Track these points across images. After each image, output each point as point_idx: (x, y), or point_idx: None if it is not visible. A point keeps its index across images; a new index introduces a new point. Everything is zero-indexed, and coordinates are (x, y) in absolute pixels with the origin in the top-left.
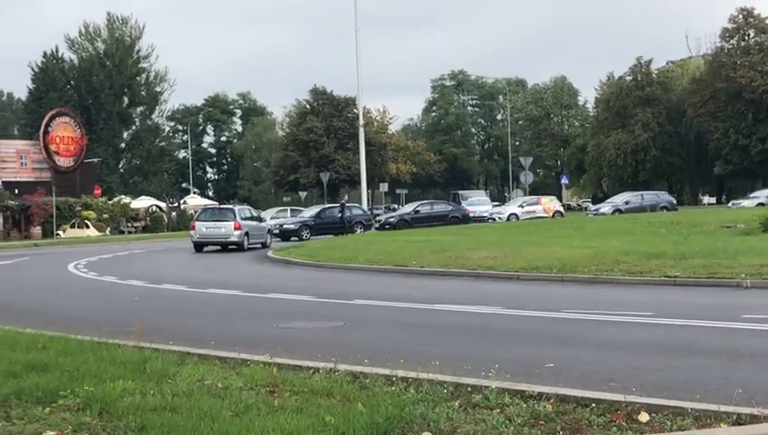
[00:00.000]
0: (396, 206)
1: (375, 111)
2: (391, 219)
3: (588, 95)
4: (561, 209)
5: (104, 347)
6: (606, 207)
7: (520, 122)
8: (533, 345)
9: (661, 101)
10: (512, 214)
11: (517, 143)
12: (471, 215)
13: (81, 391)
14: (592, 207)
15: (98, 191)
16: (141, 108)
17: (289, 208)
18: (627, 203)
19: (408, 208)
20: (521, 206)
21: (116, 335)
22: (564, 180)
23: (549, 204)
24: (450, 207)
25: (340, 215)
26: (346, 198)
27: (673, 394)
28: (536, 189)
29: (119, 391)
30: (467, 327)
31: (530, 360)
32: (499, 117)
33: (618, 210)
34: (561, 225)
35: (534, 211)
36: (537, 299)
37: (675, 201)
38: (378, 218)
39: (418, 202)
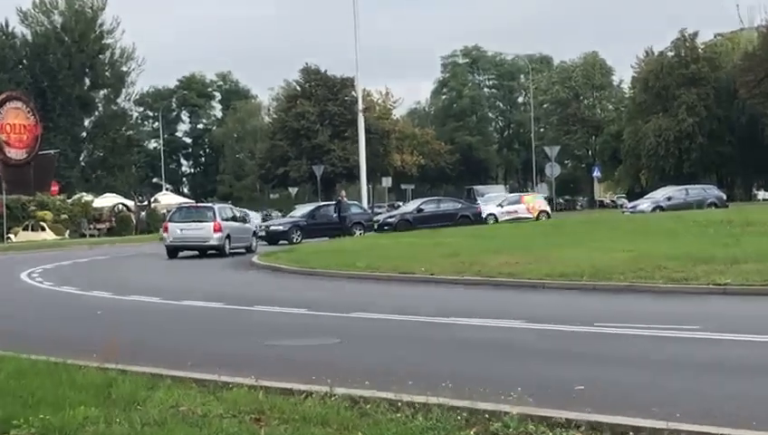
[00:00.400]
0: (400, 203)
1: (376, 94)
2: (390, 219)
3: (623, 74)
4: (548, 209)
5: (63, 369)
6: (645, 204)
7: (545, 106)
8: (561, 365)
9: (708, 81)
10: (490, 214)
11: (542, 130)
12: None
13: (36, 419)
14: (629, 204)
15: (55, 188)
16: (105, 91)
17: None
18: (669, 199)
19: (410, 207)
20: (500, 205)
21: (76, 355)
22: (596, 173)
23: (533, 203)
24: (459, 205)
25: (336, 214)
26: (343, 194)
27: (722, 421)
28: (564, 183)
29: (80, 419)
30: (484, 344)
31: (557, 381)
32: (520, 100)
33: (659, 207)
34: (594, 225)
35: (516, 211)
36: (565, 311)
37: (725, 196)
38: (376, 218)
39: (422, 199)
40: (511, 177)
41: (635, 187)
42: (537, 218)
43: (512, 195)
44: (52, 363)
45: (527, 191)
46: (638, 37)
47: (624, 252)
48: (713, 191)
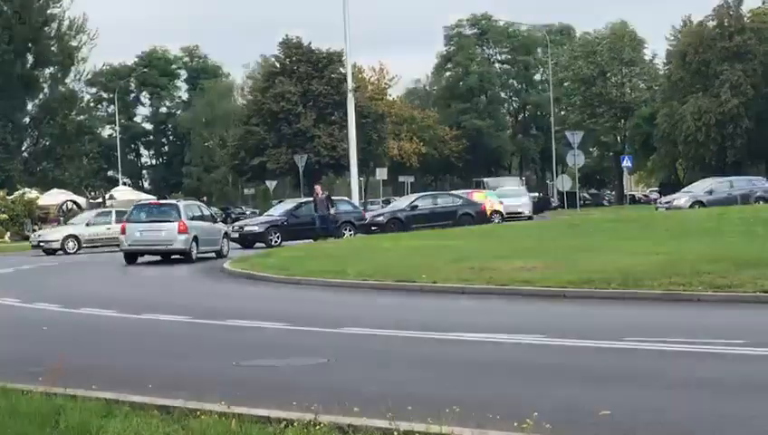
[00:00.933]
0: (396, 198)
1: (369, 71)
2: (379, 218)
3: (657, 47)
4: (500, 208)
5: (2, 394)
6: (682, 199)
7: (566, 84)
8: (584, 386)
9: (756, 55)
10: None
11: (562, 113)
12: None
13: None
14: (664, 199)
15: None
16: (51, 69)
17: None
18: (710, 193)
19: (402, 203)
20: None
21: (18, 378)
22: (626, 163)
23: (483, 201)
24: (460, 202)
25: (320, 213)
26: (318, 189)
27: None
28: (589, 175)
29: None
30: (496, 363)
31: (579, 405)
32: (538, 77)
33: (698, 202)
34: (623, 223)
35: None
36: (590, 324)
37: None
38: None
39: (417, 194)
40: (527, 167)
41: (671, 178)
42: (489, 218)
43: (459, 193)
44: None
45: (548, 185)
46: (674, 4)
47: (659, 255)
48: (761, 183)
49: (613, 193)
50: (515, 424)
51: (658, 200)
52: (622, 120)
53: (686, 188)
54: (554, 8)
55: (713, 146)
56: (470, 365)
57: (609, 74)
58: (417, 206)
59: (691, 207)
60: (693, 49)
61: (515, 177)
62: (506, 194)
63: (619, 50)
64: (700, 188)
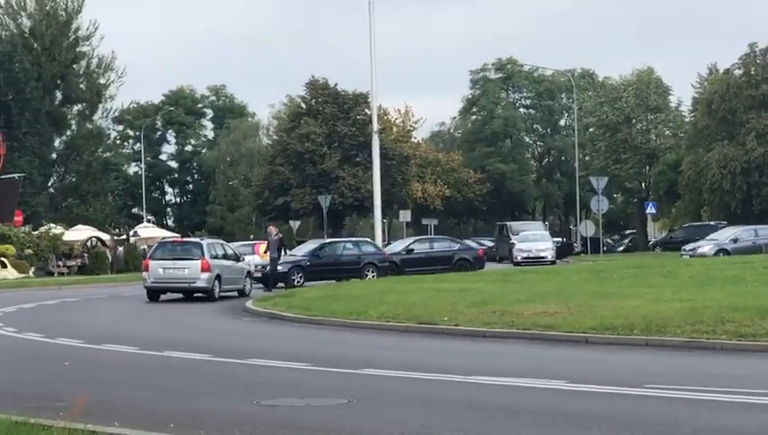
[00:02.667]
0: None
1: (394, 113)
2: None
3: (683, 95)
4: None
5: (23, 429)
6: (707, 247)
7: (590, 130)
8: (604, 433)
9: None
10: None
11: (587, 158)
12: (525, 256)
13: None
14: (688, 247)
15: (19, 218)
16: (79, 106)
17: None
18: (735, 241)
19: (398, 246)
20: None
21: (40, 413)
22: (650, 209)
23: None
24: (458, 246)
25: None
26: (272, 230)
27: None
28: (613, 221)
29: None
30: (516, 408)
31: None
32: (562, 123)
33: (723, 250)
34: (647, 270)
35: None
36: (612, 370)
37: None
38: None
39: (412, 238)
40: (551, 212)
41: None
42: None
43: (244, 243)
44: (11, 423)
45: (571, 230)
46: (700, 52)
47: (682, 302)
48: None
49: (629, 241)
50: None
51: (683, 248)
52: (647, 167)
53: (711, 236)
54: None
55: (738, 194)
56: (491, 409)
57: (634, 120)
58: (413, 249)
59: (715, 254)
60: (719, 97)
61: (538, 221)
62: (528, 239)
63: (645, 96)
64: (725, 235)
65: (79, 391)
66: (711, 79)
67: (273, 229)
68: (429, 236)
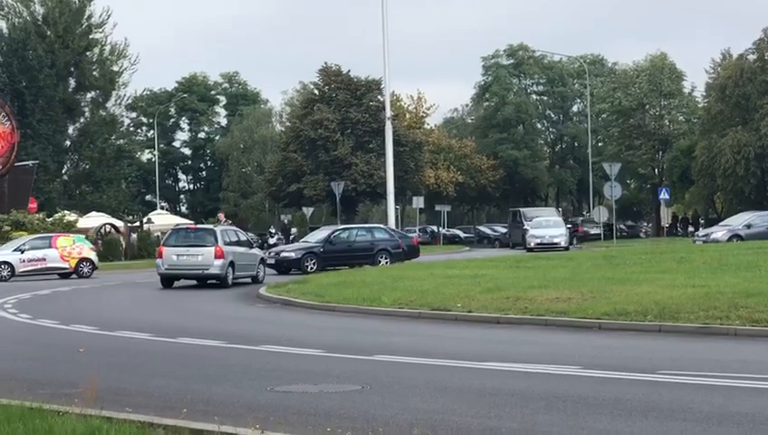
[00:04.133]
0: (434, 228)
1: (407, 99)
2: (289, 254)
3: (696, 80)
4: (94, 257)
5: (38, 415)
6: (720, 232)
7: (603, 116)
8: (619, 419)
9: None
10: (4, 262)
11: (600, 144)
12: (538, 242)
13: None
14: (701, 232)
15: (33, 205)
16: (93, 93)
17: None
18: (749, 226)
19: (317, 236)
20: (19, 250)
21: (54, 399)
22: (664, 195)
23: (70, 247)
24: (387, 236)
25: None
26: (221, 216)
27: None
28: (626, 206)
29: None
30: (530, 393)
31: None
32: (575, 108)
33: (736, 236)
34: (660, 256)
35: (44, 260)
36: (625, 356)
37: None
38: (270, 252)
39: (332, 227)
40: (564, 198)
41: (709, 211)
42: (75, 270)
43: (40, 236)
44: (26, 409)
45: (583, 215)
46: (714, 37)
47: (695, 288)
48: None
49: (650, 225)
50: None
51: (696, 234)
52: (660, 153)
53: (724, 222)
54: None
55: (752, 179)
56: (504, 395)
57: (647, 106)
58: (333, 241)
59: (729, 240)
60: (732, 82)
61: (552, 207)
62: (541, 225)
63: (658, 82)
64: (739, 221)
65: (92, 378)
66: (724, 64)
67: (221, 216)
68: (355, 226)
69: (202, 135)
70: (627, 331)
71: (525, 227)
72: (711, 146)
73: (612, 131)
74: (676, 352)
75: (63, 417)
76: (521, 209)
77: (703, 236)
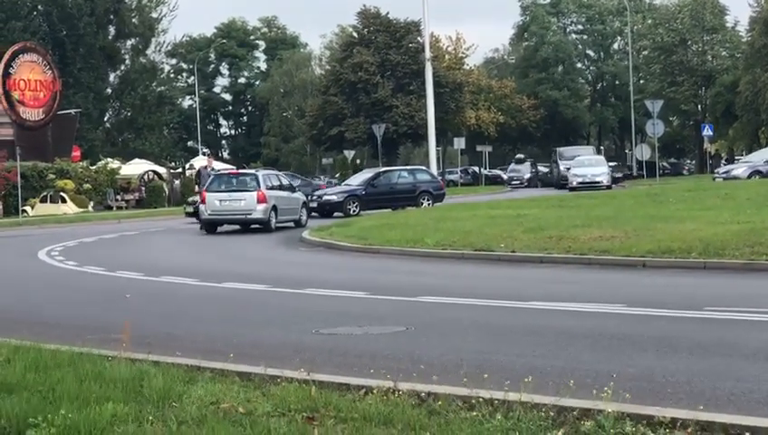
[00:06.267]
0: (475, 169)
1: (445, 40)
2: (331, 197)
3: (739, 14)
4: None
5: (87, 360)
6: (740, 169)
7: (644, 53)
8: (665, 356)
9: None
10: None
11: (641, 82)
12: (581, 181)
13: (57, 418)
14: (721, 169)
15: (76, 153)
16: (132, 41)
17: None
18: None
19: (359, 178)
20: None
21: (102, 344)
22: (707, 131)
23: None
24: (429, 177)
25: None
26: (210, 161)
27: None
28: (669, 144)
29: (107, 417)
30: (574, 332)
31: (659, 375)
32: (615, 46)
33: (757, 172)
34: (704, 192)
35: None
36: (670, 293)
37: None
38: (313, 195)
39: (375, 170)
40: (606, 136)
41: (753, 147)
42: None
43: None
44: (75, 354)
45: (627, 154)
46: None
47: (741, 224)
48: None
49: (693, 162)
50: (594, 392)
51: (716, 171)
52: (703, 89)
53: (745, 158)
54: None
55: None
56: (548, 334)
57: (689, 42)
58: (376, 183)
59: (749, 177)
60: None
61: (589, 146)
62: (583, 164)
63: (701, 17)
64: (759, 157)
65: (138, 323)
66: None
67: (210, 161)
68: (396, 168)
69: (242, 80)
70: (671, 268)
71: (560, 166)
72: (755, 81)
73: (654, 68)
74: (721, 289)
75: (111, 362)
76: (557, 149)
77: (723, 172)
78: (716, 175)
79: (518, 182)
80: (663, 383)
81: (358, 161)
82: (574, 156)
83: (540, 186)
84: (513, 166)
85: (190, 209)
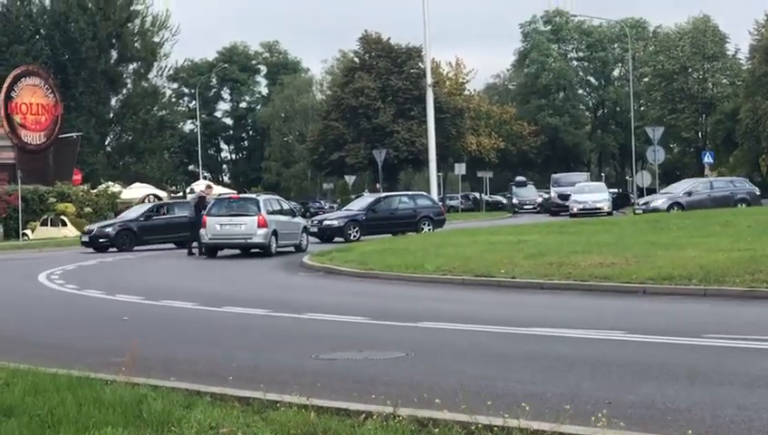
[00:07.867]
0: (476, 194)
1: (446, 66)
2: (332, 222)
3: (740, 42)
4: None
5: (86, 383)
6: (660, 200)
7: (645, 80)
8: (665, 383)
9: None
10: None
11: (642, 109)
12: (581, 207)
13: None
14: (641, 200)
15: (77, 177)
16: (134, 65)
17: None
18: (689, 194)
19: (360, 203)
20: None
21: (101, 368)
22: (708, 159)
23: None
24: (429, 203)
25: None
26: (204, 189)
27: None
28: (669, 171)
29: None
30: (574, 358)
31: (658, 402)
32: (616, 73)
33: (676, 204)
34: (704, 220)
35: None
36: (670, 320)
37: (758, 191)
38: (312, 220)
39: (376, 195)
40: (606, 163)
41: (753, 175)
42: None
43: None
44: (74, 378)
45: (627, 181)
46: None
47: (741, 251)
48: (742, 185)
49: None
50: (592, 419)
51: (636, 202)
52: (704, 116)
53: (664, 190)
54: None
55: None
56: (548, 360)
57: (690, 69)
58: (376, 209)
59: (668, 209)
60: None
61: (584, 173)
62: (583, 191)
63: (702, 45)
64: (679, 189)
65: (138, 346)
66: None
67: (210, 191)
68: (397, 193)
69: (243, 105)
70: (672, 295)
71: (552, 192)
72: (756, 108)
73: (655, 95)
74: (721, 316)
75: (111, 385)
76: (553, 175)
77: (643, 204)
78: (637, 207)
79: (531, 207)
80: (663, 410)
81: (367, 190)
82: (571, 182)
83: (541, 211)
84: (516, 190)
85: (86, 239)
